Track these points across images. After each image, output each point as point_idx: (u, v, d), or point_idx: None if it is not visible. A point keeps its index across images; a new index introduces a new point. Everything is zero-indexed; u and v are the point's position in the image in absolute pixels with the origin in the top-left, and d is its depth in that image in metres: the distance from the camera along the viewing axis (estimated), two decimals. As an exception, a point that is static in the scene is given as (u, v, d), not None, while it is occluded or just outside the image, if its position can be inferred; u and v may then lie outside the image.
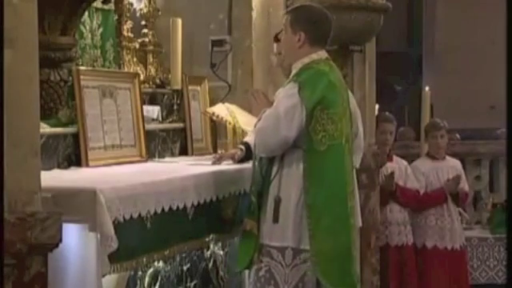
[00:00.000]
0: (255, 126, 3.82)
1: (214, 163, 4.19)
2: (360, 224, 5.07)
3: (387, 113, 6.68)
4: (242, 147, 4.15)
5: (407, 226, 6.22)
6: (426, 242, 6.21)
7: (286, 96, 3.71)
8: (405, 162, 6.40)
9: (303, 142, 3.68)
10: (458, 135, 8.71)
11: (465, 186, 6.46)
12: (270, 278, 3.73)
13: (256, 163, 3.83)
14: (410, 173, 6.31)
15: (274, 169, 3.75)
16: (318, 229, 3.67)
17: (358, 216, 4.97)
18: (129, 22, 5.41)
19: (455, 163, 6.49)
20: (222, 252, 4.45)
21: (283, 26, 3.89)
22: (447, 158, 6.46)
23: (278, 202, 3.71)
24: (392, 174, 6.09)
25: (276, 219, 3.71)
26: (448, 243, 6.21)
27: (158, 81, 5.54)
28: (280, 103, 3.71)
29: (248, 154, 4.06)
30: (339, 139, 3.75)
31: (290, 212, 3.70)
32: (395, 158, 6.38)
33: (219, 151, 4.93)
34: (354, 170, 4.87)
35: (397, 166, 6.29)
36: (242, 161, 4.12)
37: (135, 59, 5.47)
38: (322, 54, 3.85)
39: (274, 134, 3.66)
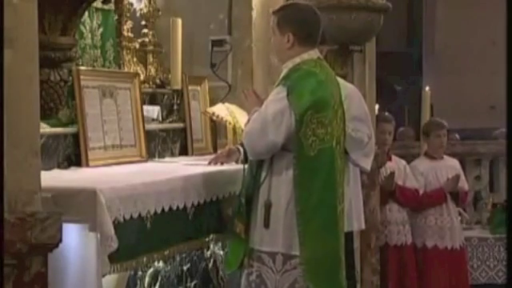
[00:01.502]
0: (244, 126, 3.78)
1: (210, 163, 4.17)
2: (363, 226, 5.08)
3: (386, 113, 6.69)
4: (240, 148, 4.13)
5: (406, 225, 6.22)
6: (426, 241, 6.21)
7: (275, 99, 3.64)
8: (403, 162, 6.41)
9: (293, 147, 3.61)
10: (457, 135, 8.71)
11: (464, 184, 6.46)
12: (260, 283, 3.67)
13: (246, 166, 3.78)
14: (409, 172, 6.32)
15: (263, 173, 3.68)
16: (307, 235, 3.61)
17: (361, 217, 4.98)
18: (129, 22, 5.41)
19: (454, 162, 6.49)
20: (222, 252, 4.45)
21: (271, 28, 3.82)
22: (445, 157, 6.46)
23: (268, 206, 3.64)
24: (392, 174, 6.09)
25: (267, 224, 3.65)
26: (448, 242, 6.21)
27: (158, 81, 5.54)
28: (268, 106, 3.65)
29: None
30: (329, 143, 3.66)
31: (281, 217, 3.63)
32: (394, 157, 6.38)
33: (219, 151, 4.93)
34: (355, 171, 4.90)
35: (396, 165, 6.29)
36: (246, 161, 4.00)
37: (135, 59, 5.47)
38: (314, 53, 3.76)
39: (261, 137, 3.60)
